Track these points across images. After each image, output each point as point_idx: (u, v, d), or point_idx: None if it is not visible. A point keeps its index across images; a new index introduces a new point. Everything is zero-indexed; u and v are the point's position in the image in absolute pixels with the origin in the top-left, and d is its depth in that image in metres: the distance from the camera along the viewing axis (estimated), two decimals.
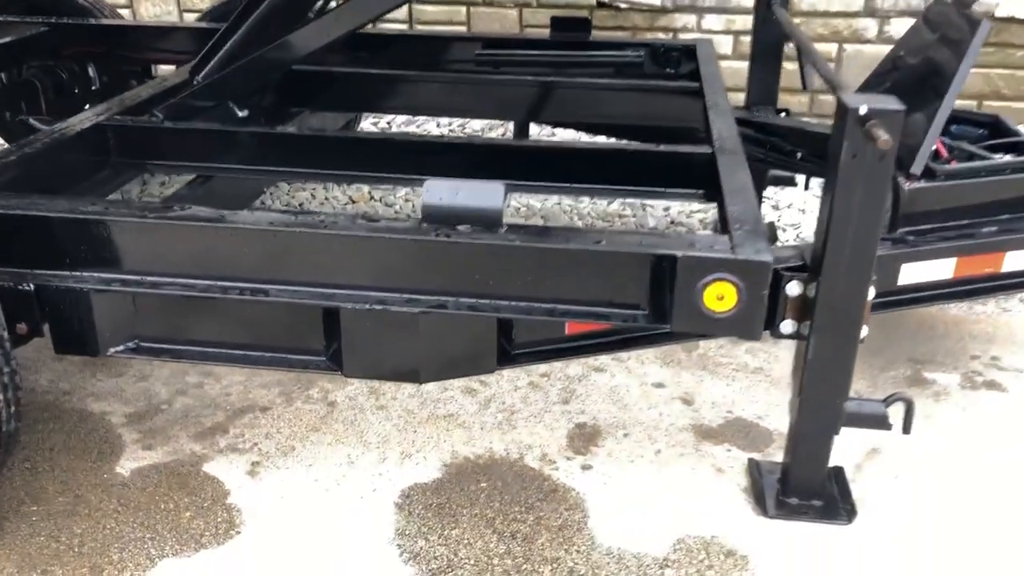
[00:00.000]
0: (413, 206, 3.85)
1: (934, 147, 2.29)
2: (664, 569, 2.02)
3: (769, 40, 3.22)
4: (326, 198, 3.92)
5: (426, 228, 1.93)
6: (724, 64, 3.49)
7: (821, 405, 2.01)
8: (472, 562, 2.04)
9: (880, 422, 2.04)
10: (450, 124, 4.65)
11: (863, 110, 1.73)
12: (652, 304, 1.91)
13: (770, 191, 3.70)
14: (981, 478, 2.29)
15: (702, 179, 2.39)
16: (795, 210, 3.84)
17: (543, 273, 1.91)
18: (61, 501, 2.22)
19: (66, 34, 3.58)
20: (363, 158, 2.62)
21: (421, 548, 2.08)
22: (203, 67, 2.83)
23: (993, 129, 2.61)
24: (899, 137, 1.73)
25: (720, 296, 1.83)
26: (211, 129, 2.69)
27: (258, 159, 2.62)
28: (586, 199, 3.86)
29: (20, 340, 2.05)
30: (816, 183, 3.46)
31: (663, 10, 4.59)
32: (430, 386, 2.64)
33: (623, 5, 4.61)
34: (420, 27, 4.83)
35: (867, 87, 2.75)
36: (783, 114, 3.21)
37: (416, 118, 4.64)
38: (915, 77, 2.53)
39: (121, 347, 2.07)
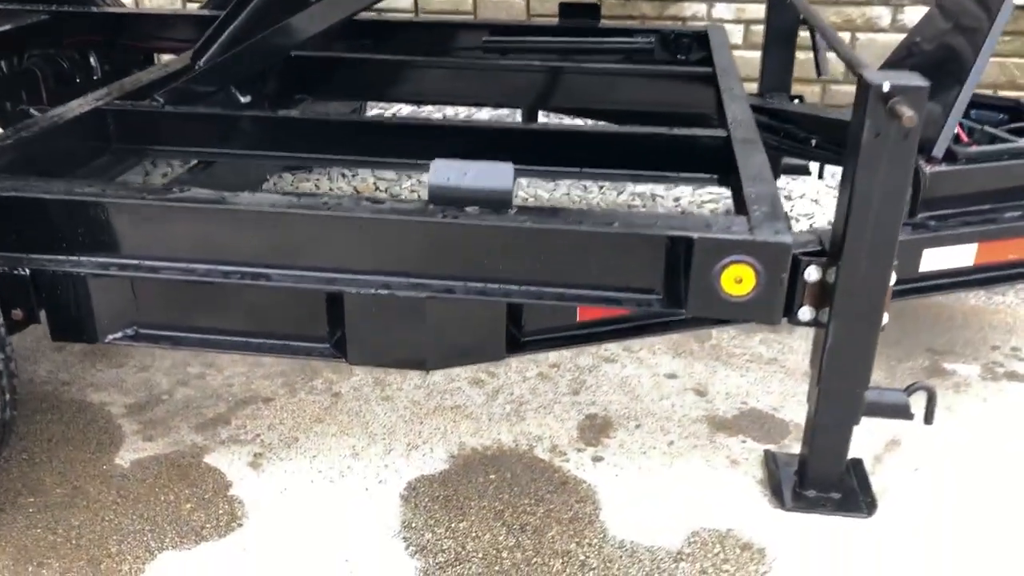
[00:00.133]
0: (419, 197, 3.79)
1: (955, 131, 2.24)
2: (679, 562, 1.96)
3: (783, 26, 3.16)
4: (330, 188, 3.87)
5: (433, 210, 1.87)
6: (735, 53, 3.43)
7: (841, 394, 1.96)
8: (480, 555, 1.99)
9: (902, 412, 1.98)
10: (456, 114, 4.59)
11: (886, 87, 1.67)
12: (667, 288, 1.85)
13: (783, 181, 3.63)
14: (1003, 470, 2.23)
15: (716, 163, 2.34)
16: (808, 200, 3.77)
17: (554, 256, 1.85)
18: (59, 492, 2.17)
19: (67, 22, 3.54)
20: (367, 142, 2.57)
21: (428, 541, 2.02)
22: (205, 52, 2.78)
23: (1014, 114, 2.57)
24: (924, 115, 1.67)
25: (738, 279, 1.77)
26: (213, 113, 2.64)
27: (260, 144, 2.57)
28: (595, 190, 3.80)
29: (16, 326, 2.01)
30: (831, 172, 3.41)
31: None
32: (437, 377, 2.59)
33: None
34: (426, 16, 4.78)
35: None
36: (797, 101, 3.16)
37: (421, 108, 4.58)
38: (931, 63, 2.47)
39: (119, 334, 2.02)
